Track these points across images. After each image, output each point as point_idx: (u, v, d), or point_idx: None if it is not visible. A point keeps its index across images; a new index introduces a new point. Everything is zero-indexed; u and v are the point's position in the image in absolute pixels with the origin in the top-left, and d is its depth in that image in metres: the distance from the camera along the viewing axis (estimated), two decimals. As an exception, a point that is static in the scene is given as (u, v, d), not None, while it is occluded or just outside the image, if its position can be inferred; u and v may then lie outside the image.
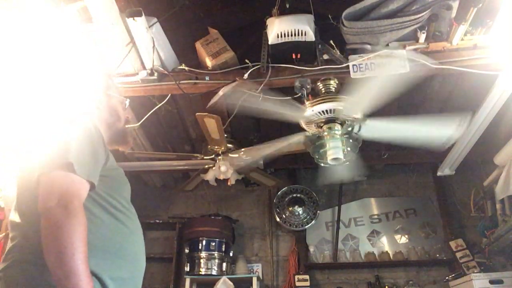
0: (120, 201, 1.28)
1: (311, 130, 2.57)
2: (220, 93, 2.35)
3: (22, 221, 1.19)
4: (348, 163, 2.58)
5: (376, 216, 4.17)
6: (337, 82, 2.47)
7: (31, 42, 2.08)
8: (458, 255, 3.65)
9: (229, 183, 3.36)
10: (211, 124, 2.69)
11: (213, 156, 3.18)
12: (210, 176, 3.23)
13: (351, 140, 2.49)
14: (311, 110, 2.38)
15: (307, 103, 2.41)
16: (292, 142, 2.69)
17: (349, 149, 2.48)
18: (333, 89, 2.46)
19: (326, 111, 2.39)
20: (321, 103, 2.37)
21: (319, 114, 2.42)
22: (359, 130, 2.49)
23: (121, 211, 1.27)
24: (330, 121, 2.45)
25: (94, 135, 1.24)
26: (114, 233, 1.22)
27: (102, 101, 1.48)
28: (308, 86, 2.35)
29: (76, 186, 1.08)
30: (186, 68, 2.41)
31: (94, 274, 1.07)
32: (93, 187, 1.15)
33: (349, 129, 2.50)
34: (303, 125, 2.58)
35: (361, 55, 2.26)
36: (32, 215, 1.11)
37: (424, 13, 2.11)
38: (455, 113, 2.41)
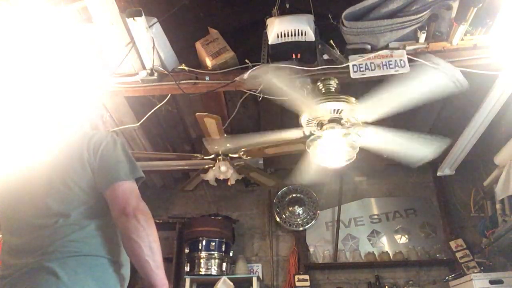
0: None
1: (311, 128, 2.55)
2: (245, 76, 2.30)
3: (67, 210, 1.29)
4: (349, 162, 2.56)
5: (376, 216, 4.18)
6: (337, 82, 2.47)
7: (31, 42, 2.08)
8: (458, 255, 3.66)
9: (229, 183, 3.36)
10: (211, 124, 2.69)
11: (213, 156, 3.18)
12: (210, 176, 3.23)
13: (347, 146, 2.46)
14: (324, 104, 2.34)
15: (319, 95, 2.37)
16: (291, 138, 2.67)
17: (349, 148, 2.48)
18: (333, 89, 2.45)
19: (335, 110, 2.35)
20: (332, 101, 2.32)
21: (326, 111, 2.37)
22: (357, 135, 2.47)
23: None
24: (334, 121, 2.43)
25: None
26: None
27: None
28: (308, 86, 2.35)
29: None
30: (186, 68, 2.41)
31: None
32: None
33: (349, 133, 2.47)
34: (304, 124, 2.56)
35: (361, 55, 2.26)
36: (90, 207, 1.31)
37: (424, 13, 2.11)
38: (439, 136, 2.43)
